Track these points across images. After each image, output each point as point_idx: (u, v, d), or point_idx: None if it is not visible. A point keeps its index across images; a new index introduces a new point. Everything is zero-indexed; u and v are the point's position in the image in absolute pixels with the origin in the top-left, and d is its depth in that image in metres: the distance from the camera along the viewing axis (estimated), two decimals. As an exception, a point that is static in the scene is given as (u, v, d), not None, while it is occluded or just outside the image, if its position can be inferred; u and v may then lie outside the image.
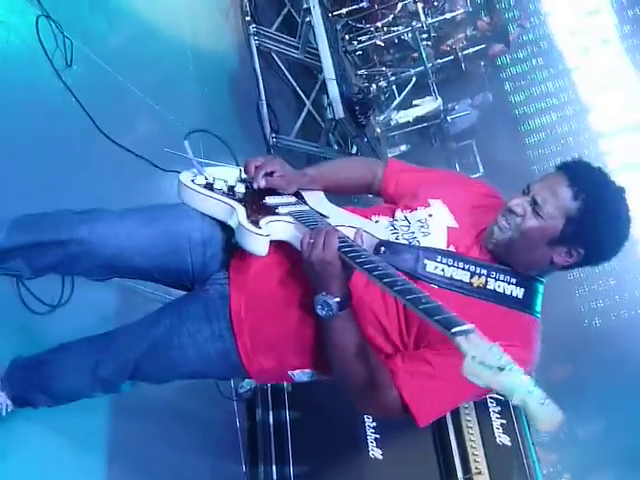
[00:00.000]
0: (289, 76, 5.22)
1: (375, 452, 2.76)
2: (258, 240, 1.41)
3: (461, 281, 1.42)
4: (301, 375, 1.58)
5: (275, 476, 2.95)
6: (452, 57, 5.98)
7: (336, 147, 5.39)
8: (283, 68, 5.19)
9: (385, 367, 1.41)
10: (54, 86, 2.58)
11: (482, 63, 6.34)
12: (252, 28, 4.85)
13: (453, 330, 1.01)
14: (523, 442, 2.66)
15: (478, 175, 6.55)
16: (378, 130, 5.50)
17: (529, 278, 1.47)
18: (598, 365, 5.19)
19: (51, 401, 1.72)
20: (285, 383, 3.00)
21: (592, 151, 6.71)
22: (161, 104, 3.25)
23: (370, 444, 2.77)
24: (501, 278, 1.43)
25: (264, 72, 4.79)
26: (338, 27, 5.49)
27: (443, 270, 1.43)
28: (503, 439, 2.66)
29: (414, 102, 5.77)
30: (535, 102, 7.16)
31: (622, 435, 4.84)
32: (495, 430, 2.68)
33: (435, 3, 5.80)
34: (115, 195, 2.58)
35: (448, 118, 6.02)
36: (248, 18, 4.86)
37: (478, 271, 1.43)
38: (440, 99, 5.61)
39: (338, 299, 1.34)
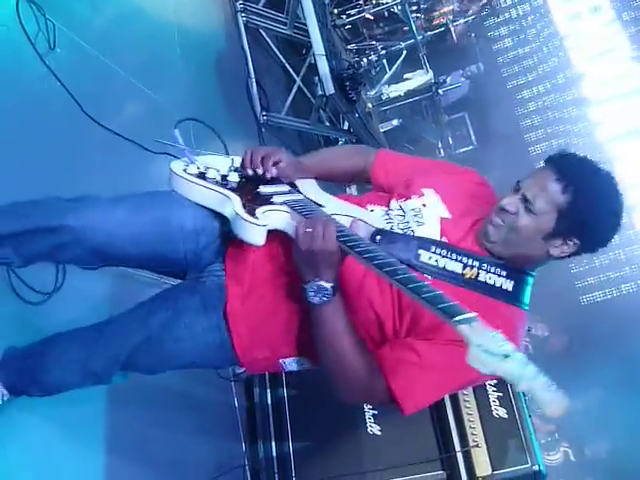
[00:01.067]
0: (278, 53, 5.16)
1: (373, 428, 2.77)
2: (256, 230, 1.39)
3: (454, 272, 1.44)
4: (292, 363, 1.59)
5: (275, 452, 2.97)
6: (443, 29, 5.93)
7: (327, 124, 5.34)
8: (272, 45, 5.13)
9: (373, 356, 1.42)
10: (38, 70, 2.54)
11: (472, 34, 6.28)
12: (239, 5, 4.78)
13: (457, 318, 1.02)
14: (519, 414, 2.68)
15: (471, 147, 6.52)
16: (369, 105, 5.46)
17: (520, 271, 1.50)
18: (597, 336, 5.22)
19: (42, 392, 1.72)
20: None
21: (584, 121, 6.66)
22: (148, 86, 3.21)
23: (368, 420, 2.78)
24: (492, 270, 1.46)
25: (252, 49, 4.74)
26: (326, 1, 5.41)
27: (437, 261, 1.45)
28: (500, 412, 2.68)
29: (405, 76, 5.72)
30: (527, 72, 7.09)
31: (620, 405, 4.88)
32: (492, 403, 2.70)
33: (424, -26, 5.74)
34: (105, 179, 2.56)
35: (440, 91, 5.97)
36: (235, -5, 4.80)
37: (470, 263, 1.45)
38: (431, 72, 5.57)
39: (332, 284, 1.33)
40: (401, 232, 1.50)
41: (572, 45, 6.80)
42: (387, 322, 1.45)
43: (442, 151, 6.40)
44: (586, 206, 1.39)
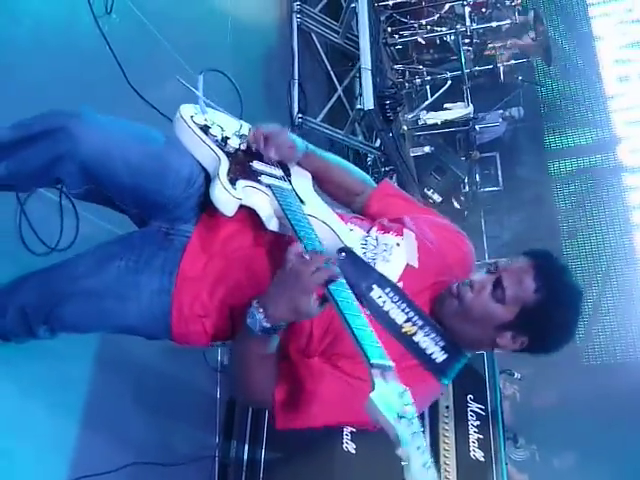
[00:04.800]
0: (325, 59, 5.19)
1: (349, 445, 2.76)
2: (228, 199, 1.39)
3: (394, 320, 1.42)
4: (220, 345, 1.56)
5: (246, 455, 2.95)
6: (491, 66, 5.92)
7: (360, 137, 5.35)
8: (320, 50, 5.15)
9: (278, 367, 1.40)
10: (90, 32, 2.56)
11: (519, 77, 6.26)
12: (296, 5, 4.81)
13: (372, 361, 1.03)
14: (496, 460, 2.66)
15: (497, 189, 6.47)
16: (405, 127, 5.45)
17: (458, 349, 1.49)
18: (586, 400, 5.16)
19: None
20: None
21: (616, 183, 6.60)
22: (193, 67, 3.22)
23: (345, 437, 2.77)
24: (431, 336, 1.44)
25: (301, 52, 4.77)
26: (382, 18, 5.44)
27: (384, 302, 1.43)
28: (477, 454, 2.65)
29: (445, 105, 5.70)
30: (566, 127, 7.02)
31: (595, 472, 4.83)
32: (471, 444, 2.68)
33: (483, 10, 5.74)
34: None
35: (477, 127, 5.96)
36: (294, -5, 4.83)
37: (414, 319, 1.43)
38: (472, 106, 5.55)
39: (284, 324, 1.26)
40: (367, 261, 1.49)
41: (616, 107, 6.76)
42: (315, 336, 1.43)
43: (467, 186, 6.35)
44: (550, 312, 1.41)
